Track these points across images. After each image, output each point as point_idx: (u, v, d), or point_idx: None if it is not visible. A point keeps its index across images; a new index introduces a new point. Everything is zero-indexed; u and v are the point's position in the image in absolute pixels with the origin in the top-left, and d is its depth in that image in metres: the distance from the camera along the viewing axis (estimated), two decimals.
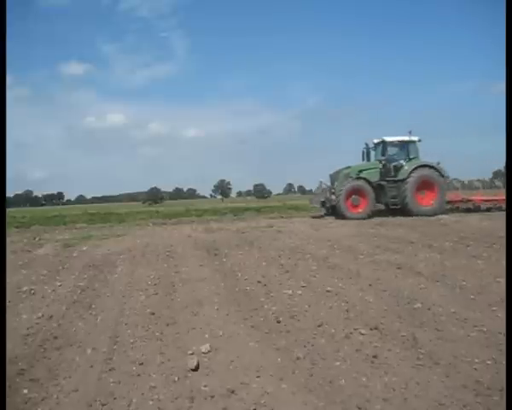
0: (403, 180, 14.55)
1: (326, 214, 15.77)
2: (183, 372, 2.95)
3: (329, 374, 2.85)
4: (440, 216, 14.01)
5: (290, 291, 4.86)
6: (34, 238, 11.58)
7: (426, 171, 14.69)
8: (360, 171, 14.91)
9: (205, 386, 2.74)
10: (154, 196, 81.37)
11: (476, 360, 2.93)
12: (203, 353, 3.23)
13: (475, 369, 2.82)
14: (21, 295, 5.21)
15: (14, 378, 2.95)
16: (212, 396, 2.62)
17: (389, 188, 14.76)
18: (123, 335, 3.74)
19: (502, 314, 3.69)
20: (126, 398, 2.66)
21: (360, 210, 14.34)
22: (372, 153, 16.03)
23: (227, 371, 2.95)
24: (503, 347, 2.94)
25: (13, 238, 11.61)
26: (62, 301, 4.89)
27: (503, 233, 6.01)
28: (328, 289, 4.90)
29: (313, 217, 15.89)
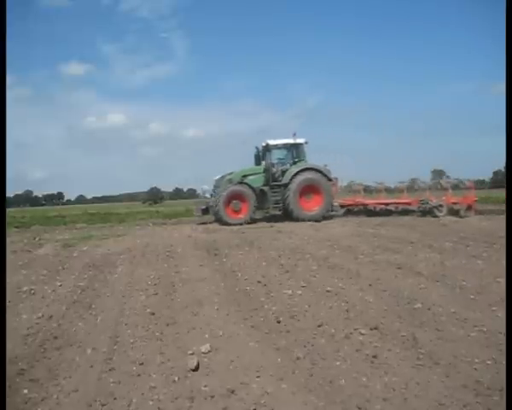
0: (286, 185, 13.88)
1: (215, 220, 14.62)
2: (183, 372, 2.95)
3: (329, 374, 2.85)
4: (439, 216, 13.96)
5: (290, 291, 4.86)
6: (34, 238, 11.57)
7: (310, 174, 13.96)
8: (244, 176, 14.32)
9: (205, 386, 2.74)
10: (154, 196, 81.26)
11: (476, 360, 2.93)
12: (203, 353, 3.23)
13: (475, 369, 2.83)
14: (21, 295, 5.21)
15: (14, 378, 2.96)
16: (212, 396, 2.63)
17: (272, 193, 14.18)
18: (123, 335, 3.74)
19: (502, 314, 3.70)
20: (126, 398, 2.67)
21: (241, 216, 13.73)
22: (268, 155, 15.03)
23: (227, 371, 2.95)
24: (503, 347, 2.94)
25: (13, 238, 11.60)
26: (62, 301, 4.89)
27: (503, 233, 6.01)
28: (328, 289, 4.90)
29: (202, 223, 14.84)
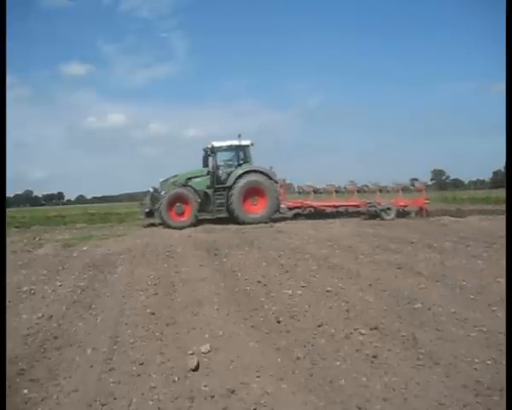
0: (230, 187, 13.73)
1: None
2: (183, 372, 2.95)
3: (329, 374, 2.85)
4: (440, 217, 13.92)
5: (290, 291, 4.86)
6: (34, 238, 11.57)
7: (254, 176, 13.79)
8: (189, 178, 14.14)
9: (205, 386, 2.74)
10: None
11: (476, 360, 2.93)
12: (203, 353, 3.23)
13: (475, 369, 2.82)
14: (21, 295, 5.21)
15: (14, 378, 2.96)
16: (212, 396, 2.62)
17: (216, 195, 13.95)
18: (123, 335, 3.74)
19: (502, 314, 3.69)
20: (126, 398, 2.67)
21: (184, 219, 13.48)
22: (210, 158, 14.90)
23: (227, 371, 2.95)
24: (503, 347, 2.94)
25: (13, 238, 11.60)
26: (62, 301, 4.89)
27: (503, 233, 6.01)
28: (328, 289, 4.90)
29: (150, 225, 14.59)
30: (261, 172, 14.01)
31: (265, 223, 13.34)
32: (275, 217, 14.41)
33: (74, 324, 4.10)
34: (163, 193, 14.09)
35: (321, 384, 2.73)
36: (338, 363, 3.01)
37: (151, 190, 14.91)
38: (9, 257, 7.91)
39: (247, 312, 4.24)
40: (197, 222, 13.68)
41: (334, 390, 2.65)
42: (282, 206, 14.69)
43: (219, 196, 14.03)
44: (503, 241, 5.99)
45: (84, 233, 13.08)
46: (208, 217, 14.62)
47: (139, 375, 2.96)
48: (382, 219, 13.61)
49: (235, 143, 14.49)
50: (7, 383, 2.81)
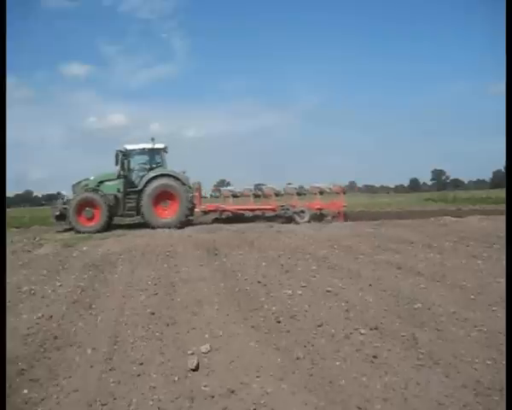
0: (141, 191, 13.63)
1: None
2: (183, 372, 2.95)
3: (329, 374, 2.85)
4: (440, 217, 13.91)
5: (290, 291, 4.86)
6: (34, 238, 11.56)
7: (166, 180, 13.71)
8: (101, 182, 13.93)
9: (205, 386, 2.74)
10: None
11: (476, 360, 2.93)
12: (203, 353, 3.23)
13: (475, 369, 2.83)
14: (21, 295, 5.20)
15: (14, 378, 2.95)
16: (212, 396, 2.63)
17: (127, 199, 13.76)
18: (123, 335, 3.74)
19: (502, 314, 3.70)
20: (126, 398, 2.67)
21: (93, 223, 13.25)
22: (125, 161, 14.60)
23: (227, 371, 2.95)
24: (503, 347, 2.94)
25: (13, 238, 11.59)
26: (62, 301, 4.89)
27: (503, 233, 6.01)
28: (328, 289, 4.90)
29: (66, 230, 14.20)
30: (173, 176, 13.91)
31: (178, 227, 13.12)
32: (197, 221, 14.49)
33: (74, 324, 4.10)
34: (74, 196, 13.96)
35: (321, 384, 2.73)
36: (338, 363, 3.01)
37: (63, 192, 14.72)
38: (9, 257, 7.91)
39: (247, 312, 4.24)
40: (110, 227, 13.53)
41: (334, 390, 2.65)
42: (197, 210, 14.65)
43: (130, 200, 13.83)
44: (503, 241, 6.00)
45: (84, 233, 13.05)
46: (122, 222, 14.59)
47: (139, 375, 2.96)
48: (296, 222, 13.63)
49: (149, 146, 14.41)
50: (7, 383, 2.81)
